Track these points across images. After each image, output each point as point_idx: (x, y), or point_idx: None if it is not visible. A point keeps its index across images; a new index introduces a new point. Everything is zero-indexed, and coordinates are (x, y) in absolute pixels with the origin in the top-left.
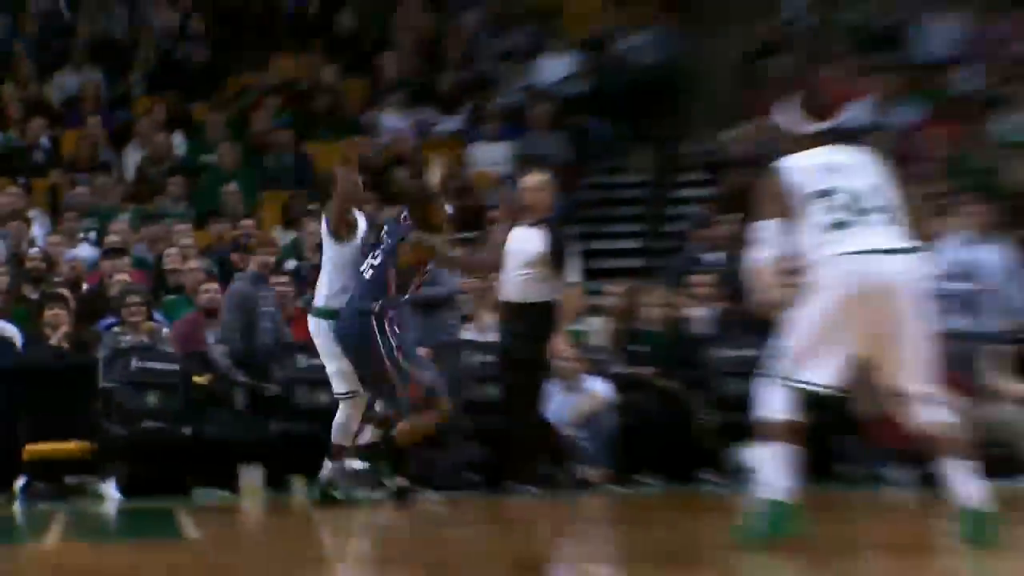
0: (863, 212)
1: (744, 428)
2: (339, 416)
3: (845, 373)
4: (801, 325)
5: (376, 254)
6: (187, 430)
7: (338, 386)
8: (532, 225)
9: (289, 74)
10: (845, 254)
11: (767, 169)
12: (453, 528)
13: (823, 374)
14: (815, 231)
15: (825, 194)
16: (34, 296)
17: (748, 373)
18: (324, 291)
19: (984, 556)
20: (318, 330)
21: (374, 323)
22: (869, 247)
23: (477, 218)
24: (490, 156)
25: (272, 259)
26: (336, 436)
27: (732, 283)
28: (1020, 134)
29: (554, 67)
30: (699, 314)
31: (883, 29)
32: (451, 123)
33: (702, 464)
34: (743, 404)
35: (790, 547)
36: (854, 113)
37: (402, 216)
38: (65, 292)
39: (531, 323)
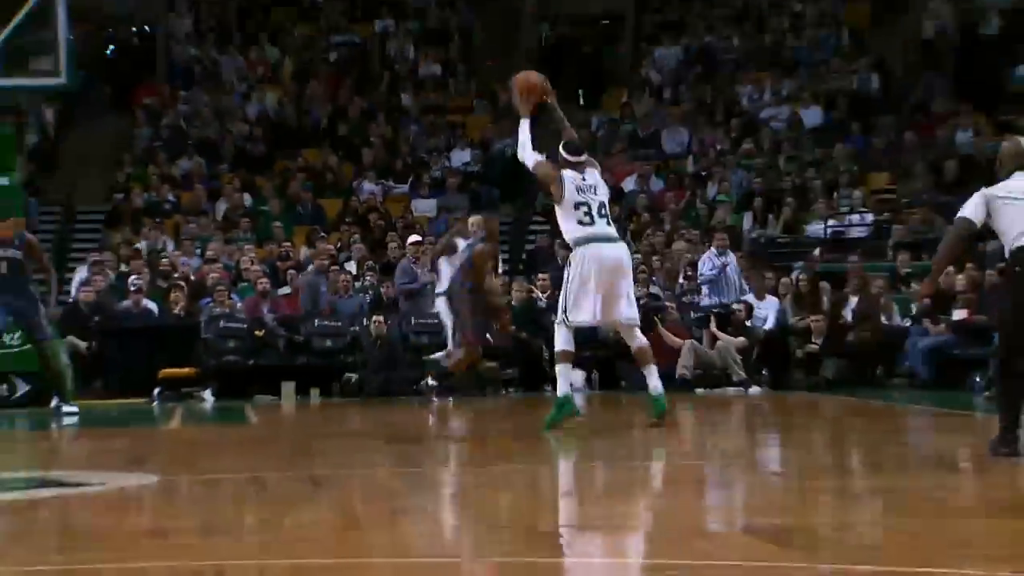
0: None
1: None
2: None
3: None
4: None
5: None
6: (250, 361)
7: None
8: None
9: (310, 160)
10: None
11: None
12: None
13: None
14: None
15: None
16: (164, 285)
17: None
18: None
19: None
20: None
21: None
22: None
23: None
24: (425, 207)
25: (327, 261)
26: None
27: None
28: (723, 196)
29: (461, 156)
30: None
31: (644, 135)
32: (402, 188)
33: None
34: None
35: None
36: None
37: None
38: (182, 283)
39: None
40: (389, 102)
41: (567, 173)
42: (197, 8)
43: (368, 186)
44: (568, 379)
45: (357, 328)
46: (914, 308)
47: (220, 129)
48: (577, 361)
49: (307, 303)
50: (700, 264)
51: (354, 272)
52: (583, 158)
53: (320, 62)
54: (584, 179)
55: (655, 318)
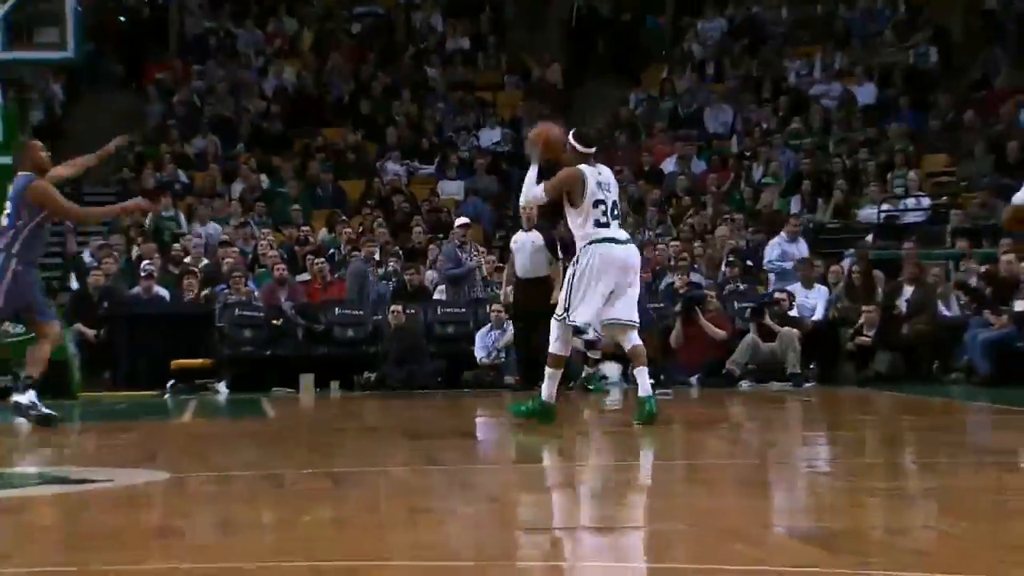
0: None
1: None
2: None
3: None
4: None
5: None
6: (267, 352)
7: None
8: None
9: (330, 139)
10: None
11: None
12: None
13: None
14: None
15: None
16: (176, 272)
17: None
18: None
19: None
20: None
21: None
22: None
23: None
24: (452, 189)
25: (375, 249)
26: None
27: None
28: (769, 178)
29: (491, 135)
30: None
31: (686, 113)
32: (427, 169)
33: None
34: None
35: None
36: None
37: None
38: (195, 268)
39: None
40: (414, 77)
41: (586, 169)
42: None
43: (392, 167)
44: (555, 385)
45: (380, 317)
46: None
47: (236, 106)
48: (613, 354)
49: (353, 294)
50: (768, 251)
51: (377, 258)
52: (594, 150)
53: (342, 34)
54: (600, 174)
55: (696, 308)
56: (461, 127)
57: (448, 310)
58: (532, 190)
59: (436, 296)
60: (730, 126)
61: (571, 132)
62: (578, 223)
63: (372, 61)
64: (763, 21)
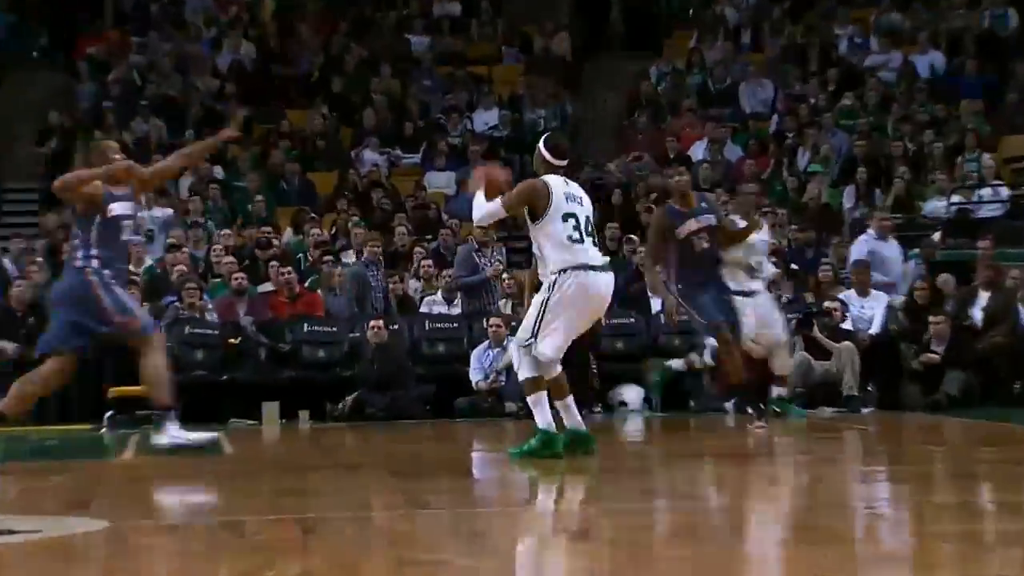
0: None
1: None
2: None
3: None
4: None
5: None
6: (224, 376)
7: None
8: None
9: (297, 123)
10: None
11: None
12: None
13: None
14: None
15: None
16: None
17: None
18: None
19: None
20: None
21: None
22: None
23: None
24: (441, 182)
25: (378, 250)
26: None
27: None
28: (817, 166)
29: (486, 117)
30: None
31: (718, 89)
32: (412, 158)
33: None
34: None
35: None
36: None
37: None
38: (136, 277)
39: None
40: (395, 49)
41: (551, 180)
42: None
43: (370, 156)
44: (546, 410)
45: (359, 334)
46: None
47: (183, 84)
48: (634, 376)
49: (349, 305)
50: (853, 251)
51: (353, 262)
52: (566, 163)
53: (309, 0)
54: (568, 185)
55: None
56: (451, 108)
57: (438, 325)
58: (485, 207)
59: (440, 309)
60: (770, 104)
61: (542, 140)
62: (548, 243)
63: (344, 31)
64: None
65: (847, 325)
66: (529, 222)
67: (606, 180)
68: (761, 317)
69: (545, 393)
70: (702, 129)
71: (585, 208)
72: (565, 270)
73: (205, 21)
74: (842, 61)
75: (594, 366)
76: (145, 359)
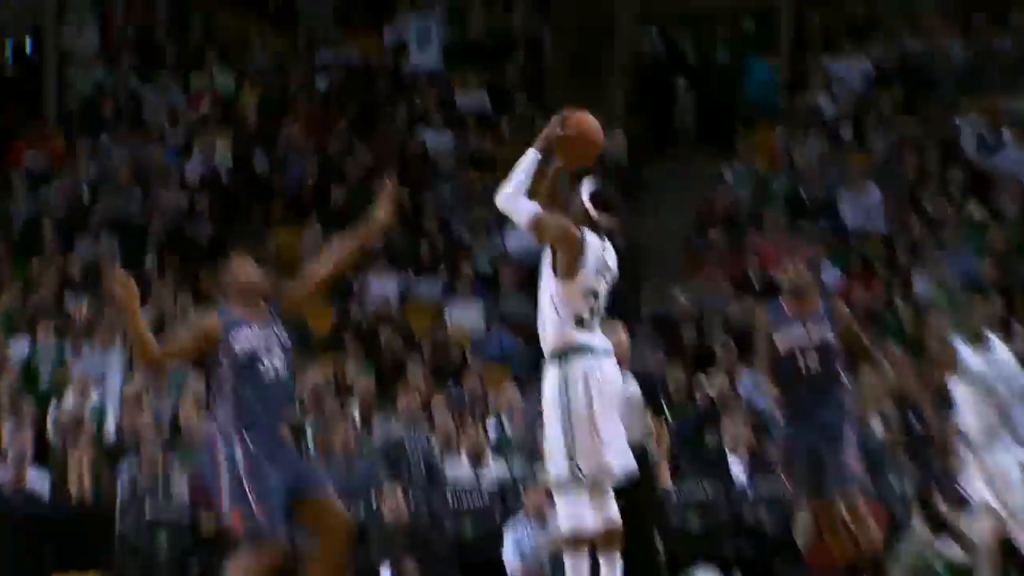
0: None
1: None
2: None
3: None
4: None
5: None
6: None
7: None
8: None
9: (287, 244)
10: None
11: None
12: None
13: None
14: None
15: None
16: (59, 441)
17: None
18: None
19: None
20: None
21: None
22: None
23: None
24: (466, 316)
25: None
26: None
27: None
28: (938, 292)
29: (521, 234)
30: None
31: (812, 197)
32: (429, 285)
33: None
34: None
35: None
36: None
37: None
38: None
39: None
40: (408, 151)
41: (591, 239)
42: (105, 14)
43: (378, 284)
44: None
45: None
46: None
47: (143, 199)
48: (708, 553)
49: (381, 472)
50: None
51: (357, 419)
52: (604, 220)
53: (301, 92)
54: (604, 250)
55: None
56: (478, 223)
57: (463, 493)
58: (521, 199)
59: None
60: (878, 215)
61: (584, 185)
62: (551, 316)
63: (345, 128)
64: (927, 61)
65: None
66: (548, 275)
67: (670, 311)
68: None
69: (584, 556)
70: (791, 247)
71: (607, 285)
72: (565, 357)
73: (170, 119)
74: (965, 160)
75: (660, 545)
76: None
